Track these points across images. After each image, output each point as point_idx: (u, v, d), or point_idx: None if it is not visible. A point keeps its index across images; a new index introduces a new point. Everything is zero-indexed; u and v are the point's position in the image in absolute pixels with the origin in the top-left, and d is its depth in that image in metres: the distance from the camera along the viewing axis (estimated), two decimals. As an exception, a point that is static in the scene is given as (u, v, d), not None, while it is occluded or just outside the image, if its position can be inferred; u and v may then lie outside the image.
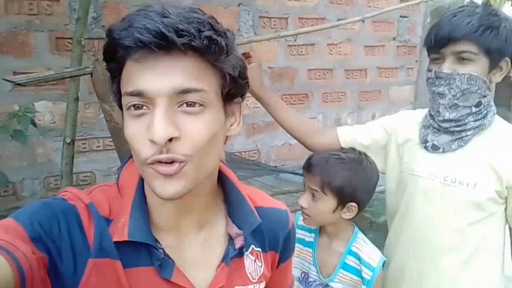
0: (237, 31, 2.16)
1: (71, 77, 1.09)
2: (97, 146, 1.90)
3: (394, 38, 2.73)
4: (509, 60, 1.05)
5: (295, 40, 2.15)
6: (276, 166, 2.34)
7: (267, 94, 1.30)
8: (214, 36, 0.51)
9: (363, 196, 1.13)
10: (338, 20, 2.47)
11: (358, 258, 1.15)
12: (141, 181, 0.62)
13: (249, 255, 0.69)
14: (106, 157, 1.91)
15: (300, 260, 1.28)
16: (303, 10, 2.35)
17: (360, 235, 1.19)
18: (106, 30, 0.52)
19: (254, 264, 0.70)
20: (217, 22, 0.54)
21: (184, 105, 0.52)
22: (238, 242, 0.66)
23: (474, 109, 1.07)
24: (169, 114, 0.51)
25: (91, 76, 1.06)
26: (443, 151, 1.11)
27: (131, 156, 0.62)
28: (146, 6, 0.52)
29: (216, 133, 0.55)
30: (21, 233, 0.52)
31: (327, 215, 1.13)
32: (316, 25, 2.38)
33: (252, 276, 0.69)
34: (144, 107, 0.51)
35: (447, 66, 1.04)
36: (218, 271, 0.65)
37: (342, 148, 1.21)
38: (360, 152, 1.20)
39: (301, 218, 1.26)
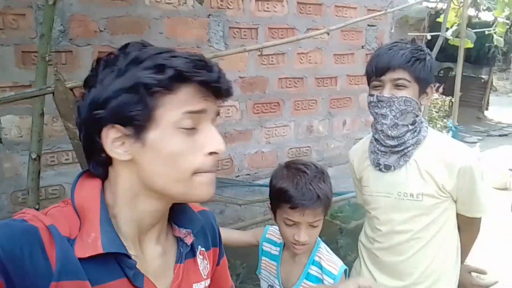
0: (207, 42, 2.18)
1: (32, 97, 1.09)
2: (65, 159, 1.89)
3: (362, 47, 2.81)
4: (432, 86, 1.27)
5: (261, 53, 2.20)
6: (237, 177, 2.34)
7: None
8: (233, 90, 0.68)
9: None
10: (307, 29, 2.53)
11: (320, 267, 1.18)
12: (103, 197, 0.65)
13: (199, 255, 0.78)
14: (76, 170, 1.89)
15: (266, 272, 1.30)
16: (272, 20, 2.39)
17: (323, 245, 1.23)
18: (154, 61, 0.62)
19: (203, 263, 0.79)
20: None
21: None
22: (189, 240, 0.74)
23: (410, 127, 1.24)
24: None
25: (53, 96, 1.06)
26: (394, 169, 1.28)
27: (79, 176, 0.68)
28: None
29: None
30: None
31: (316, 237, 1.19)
32: (286, 35, 2.43)
33: (203, 273, 0.78)
34: (193, 126, 0.63)
35: (387, 91, 1.21)
36: (175, 272, 0.72)
37: (303, 161, 1.24)
38: (315, 163, 1.25)
39: (269, 231, 1.29)
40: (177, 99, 0.62)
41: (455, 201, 1.29)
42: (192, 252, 0.76)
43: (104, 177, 0.67)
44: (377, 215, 1.33)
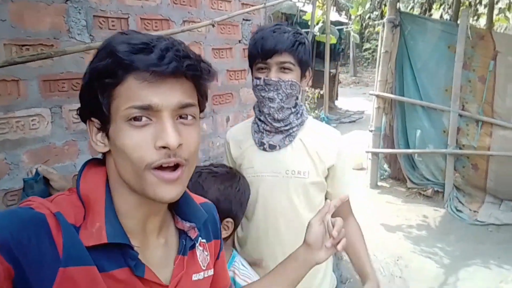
0: (68, 32, 1.81)
1: None
2: None
3: (239, 41, 2.76)
4: (310, 70, 1.32)
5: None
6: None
7: None
8: (206, 67, 0.65)
9: (238, 210, 1.08)
10: (183, 21, 2.35)
11: (234, 282, 1.09)
12: (108, 187, 0.66)
13: (198, 246, 0.79)
14: None
15: None
16: (144, 10, 2.14)
17: (238, 258, 1.14)
18: (107, 49, 0.60)
19: (203, 254, 0.80)
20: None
21: (181, 118, 0.64)
22: (193, 234, 0.76)
23: (293, 109, 1.29)
24: (174, 125, 0.63)
25: None
26: (279, 148, 1.29)
27: (85, 164, 0.69)
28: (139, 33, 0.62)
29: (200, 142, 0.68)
30: None
31: None
32: (161, 26, 2.20)
33: (202, 264, 0.79)
34: (145, 119, 0.61)
35: (274, 75, 1.21)
36: (176, 263, 0.73)
37: (211, 164, 1.17)
38: (231, 167, 1.17)
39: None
40: (125, 91, 0.61)
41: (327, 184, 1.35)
42: (192, 243, 0.77)
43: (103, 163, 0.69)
44: (263, 195, 1.30)
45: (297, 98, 1.32)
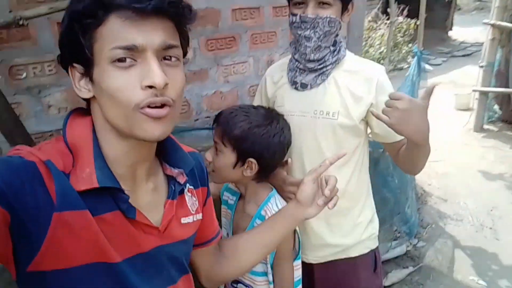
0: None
1: None
2: None
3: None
4: (353, 2, 1.20)
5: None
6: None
7: None
8: (188, 5, 0.64)
9: (264, 152, 1.08)
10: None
11: None
12: (95, 135, 0.67)
13: (187, 192, 0.82)
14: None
15: (225, 220, 1.27)
16: None
17: (275, 198, 1.15)
18: None
19: (191, 199, 0.83)
20: None
21: (165, 59, 0.64)
22: (182, 179, 0.78)
23: (332, 48, 1.22)
24: (160, 65, 0.62)
25: None
26: (311, 88, 1.24)
27: (71, 113, 0.70)
28: None
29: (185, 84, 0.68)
30: None
31: (228, 170, 1.10)
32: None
33: (191, 209, 0.82)
34: (130, 60, 0.61)
35: (311, 11, 1.12)
36: (166, 207, 0.76)
37: (251, 105, 1.18)
38: (271, 110, 1.16)
39: None
40: (108, 31, 0.60)
41: (371, 130, 1.27)
42: (181, 189, 0.79)
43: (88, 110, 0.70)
44: (292, 135, 1.25)
45: (336, 35, 1.23)
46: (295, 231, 1.13)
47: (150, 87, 0.61)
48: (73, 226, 0.60)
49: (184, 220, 0.80)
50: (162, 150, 0.77)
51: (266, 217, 1.09)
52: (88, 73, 0.63)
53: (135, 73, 0.61)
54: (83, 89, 0.65)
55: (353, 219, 1.33)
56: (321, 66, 1.21)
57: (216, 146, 1.10)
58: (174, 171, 0.78)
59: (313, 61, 1.21)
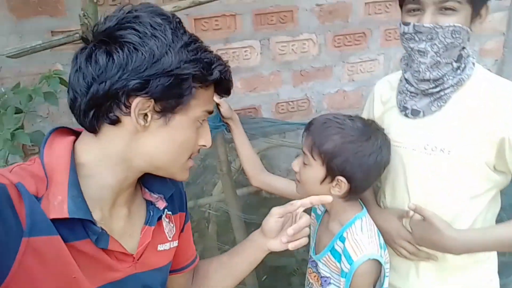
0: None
1: (59, 45, 1.04)
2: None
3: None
4: (488, 6, 0.93)
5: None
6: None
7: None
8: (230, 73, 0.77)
9: (356, 172, 0.95)
10: None
11: (344, 246, 1.00)
12: (73, 160, 0.65)
13: (165, 218, 0.81)
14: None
15: (312, 229, 1.20)
16: None
17: (361, 221, 1.01)
18: (220, 72, 0.70)
19: (168, 225, 0.82)
20: None
21: None
22: (161, 204, 0.78)
23: (455, 65, 0.96)
24: None
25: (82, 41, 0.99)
26: (423, 116, 1.01)
27: (50, 132, 0.68)
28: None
29: None
30: None
31: (314, 185, 1.00)
32: None
33: (168, 235, 0.81)
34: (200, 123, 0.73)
35: (428, 19, 0.91)
36: (142, 233, 0.75)
37: (349, 115, 1.03)
38: (370, 122, 1.02)
39: None
40: (204, 96, 0.69)
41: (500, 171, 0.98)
42: (159, 215, 0.79)
43: (94, 132, 0.66)
44: (395, 170, 1.07)
45: (463, 48, 0.96)
46: (379, 262, 0.98)
47: (201, 146, 0.75)
48: (43, 252, 0.57)
49: (160, 247, 0.79)
50: (143, 175, 0.76)
51: (347, 241, 0.98)
52: (165, 115, 0.66)
53: (199, 132, 0.73)
54: (140, 120, 0.64)
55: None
56: (438, 89, 0.98)
57: (304, 157, 1.02)
58: (154, 196, 0.79)
59: (428, 80, 0.97)
